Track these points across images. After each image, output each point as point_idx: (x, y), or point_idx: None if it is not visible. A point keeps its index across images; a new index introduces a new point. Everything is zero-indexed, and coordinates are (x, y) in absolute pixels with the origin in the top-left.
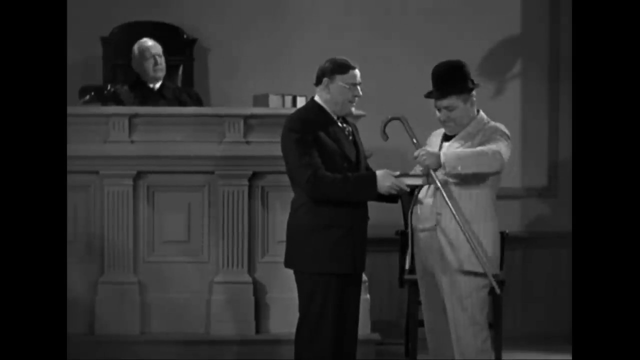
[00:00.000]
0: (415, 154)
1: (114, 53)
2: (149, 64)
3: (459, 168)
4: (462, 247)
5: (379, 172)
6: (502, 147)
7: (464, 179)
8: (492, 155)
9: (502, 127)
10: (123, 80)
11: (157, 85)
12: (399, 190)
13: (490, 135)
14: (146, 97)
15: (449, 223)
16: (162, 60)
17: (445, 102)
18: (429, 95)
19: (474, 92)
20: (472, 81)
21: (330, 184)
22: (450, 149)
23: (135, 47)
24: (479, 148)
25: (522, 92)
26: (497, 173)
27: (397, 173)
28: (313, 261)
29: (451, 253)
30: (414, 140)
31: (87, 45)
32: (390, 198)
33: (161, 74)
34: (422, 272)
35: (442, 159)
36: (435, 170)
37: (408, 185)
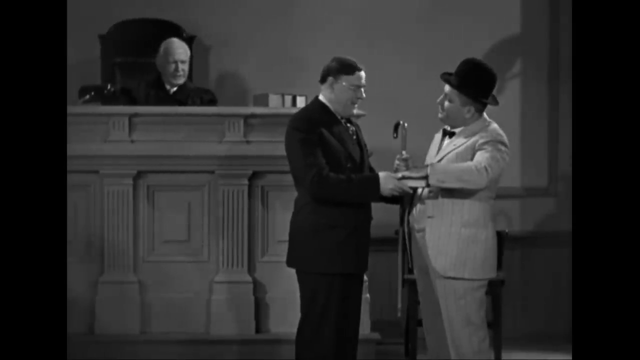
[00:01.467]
0: (396, 161)
1: (112, 51)
2: (170, 68)
3: (444, 182)
4: (448, 253)
5: (381, 174)
6: (490, 162)
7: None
8: (477, 173)
9: (499, 135)
10: (121, 80)
11: (174, 88)
12: (402, 193)
13: (483, 145)
14: (161, 99)
15: (437, 228)
16: (184, 67)
17: (446, 88)
18: (445, 75)
19: (480, 106)
20: (487, 96)
21: (334, 184)
22: (449, 147)
23: (162, 46)
24: (466, 163)
25: (522, 92)
26: (482, 189)
27: (400, 175)
28: (317, 261)
29: (436, 258)
30: (403, 152)
31: (85, 43)
32: (392, 199)
33: (181, 80)
34: (419, 272)
35: (429, 170)
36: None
37: (410, 187)
